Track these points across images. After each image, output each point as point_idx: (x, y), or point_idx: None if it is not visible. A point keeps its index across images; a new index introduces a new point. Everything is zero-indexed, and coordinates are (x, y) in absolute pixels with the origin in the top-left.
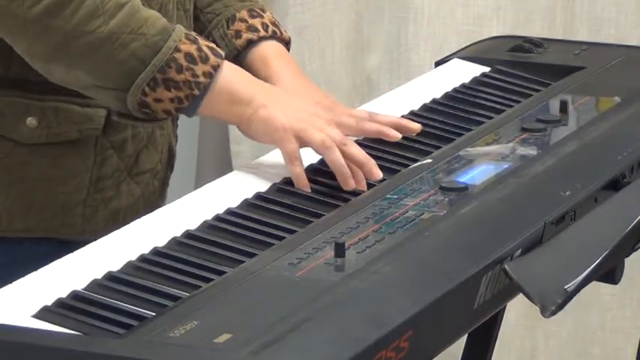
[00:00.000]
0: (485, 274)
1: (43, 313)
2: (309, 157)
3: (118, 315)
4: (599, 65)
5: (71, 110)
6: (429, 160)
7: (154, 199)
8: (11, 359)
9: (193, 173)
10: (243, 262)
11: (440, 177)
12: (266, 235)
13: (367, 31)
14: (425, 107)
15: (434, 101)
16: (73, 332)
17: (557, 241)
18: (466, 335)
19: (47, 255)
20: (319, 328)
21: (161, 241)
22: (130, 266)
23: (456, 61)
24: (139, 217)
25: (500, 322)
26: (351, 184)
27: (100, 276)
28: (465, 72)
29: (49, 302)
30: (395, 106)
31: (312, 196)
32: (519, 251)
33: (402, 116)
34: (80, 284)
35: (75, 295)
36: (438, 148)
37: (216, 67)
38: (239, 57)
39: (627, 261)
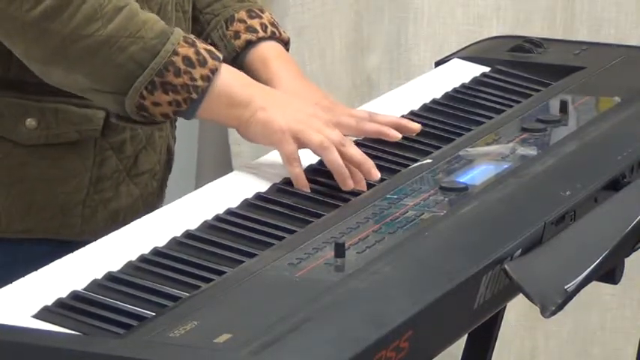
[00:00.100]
0: (485, 274)
1: (43, 313)
2: (309, 157)
3: (117, 315)
4: (599, 65)
5: (70, 111)
6: (429, 160)
7: (152, 200)
8: (11, 359)
9: (193, 173)
10: (243, 262)
11: (440, 177)
12: (266, 235)
13: (367, 31)
14: (425, 107)
15: (434, 101)
16: (73, 332)
17: (557, 241)
18: (466, 335)
19: (47, 255)
20: (319, 328)
21: (161, 241)
22: (130, 266)
23: (456, 61)
24: (138, 218)
25: (500, 322)
26: (349, 185)
27: (100, 276)
28: (465, 72)
29: (49, 302)
30: (395, 106)
31: (312, 196)
32: (519, 251)
33: (402, 116)
34: (80, 284)
35: (75, 295)
36: (438, 148)
37: (214, 71)
38: (238, 58)
39: (627, 261)
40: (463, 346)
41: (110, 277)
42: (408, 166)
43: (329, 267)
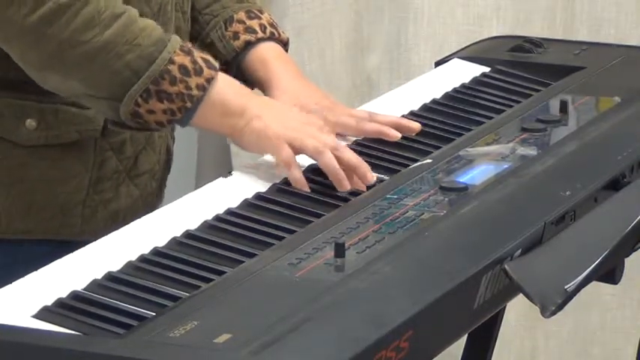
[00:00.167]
0: (485, 274)
1: (43, 313)
2: (309, 158)
3: (117, 315)
4: (599, 65)
5: (70, 112)
6: (429, 160)
7: (152, 200)
8: (11, 359)
9: (193, 173)
10: (243, 262)
11: (440, 177)
12: (266, 235)
13: (367, 31)
14: (425, 107)
15: (434, 101)
16: (73, 332)
17: (557, 241)
18: (466, 335)
19: (47, 255)
20: (319, 328)
21: (161, 241)
22: (130, 266)
23: (456, 61)
24: (138, 218)
25: (500, 322)
26: (346, 186)
27: (100, 276)
28: (465, 72)
29: (49, 302)
30: (395, 106)
31: (312, 196)
32: (519, 251)
33: (402, 116)
34: (80, 284)
35: (75, 295)
36: (438, 148)
37: (209, 80)
38: (237, 59)
39: (627, 261)
40: (463, 346)
41: (110, 277)
42: (408, 166)
43: (329, 267)
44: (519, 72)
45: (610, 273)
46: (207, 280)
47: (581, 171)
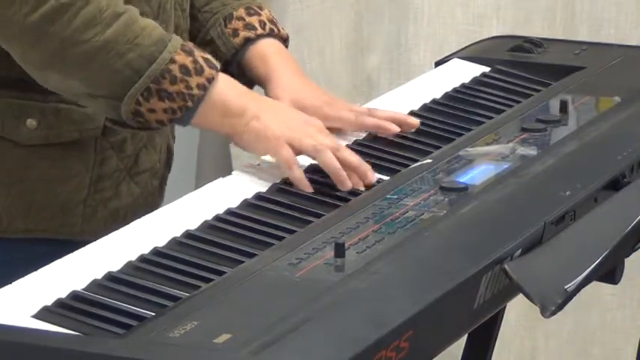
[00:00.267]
0: (485, 274)
1: (43, 314)
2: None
3: (117, 315)
4: (599, 65)
5: (71, 111)
6: (429, 160)
7: (152, 199)
8: (11, 359)
9: (193, 173)
10: (243, 262)
11: (440, 177)
12: (266, 235)
13: (367, 31)
14: (425, 107)
15: (434, 101)
16: (73, 332)
17: (557, 241)
18: (466, 335)
19: (47, 255)
20: (319, 328)
21: (161, 241)
22: (129, 266)
23: (456, 61)
24: (139, 217)
25: (500, 322)
26: (348, 185)
27: (100, 276)
28: (465, 72)
29: (49, 302)
30: (395, 106)
31: (312, 196)
32: (519, 251)
33: None
34: (80, 284)
35: (75, 296)
36: (438, 148)
37: (210, 80)
38: (237, 55)
39: (627, 261)
40: (463, 346)
41: (110, 277)
42: (408, 166)
43: (329, 267)
44: (519, 72)
45: (610, 273)
46: (207, 280)
47: (581, 171)
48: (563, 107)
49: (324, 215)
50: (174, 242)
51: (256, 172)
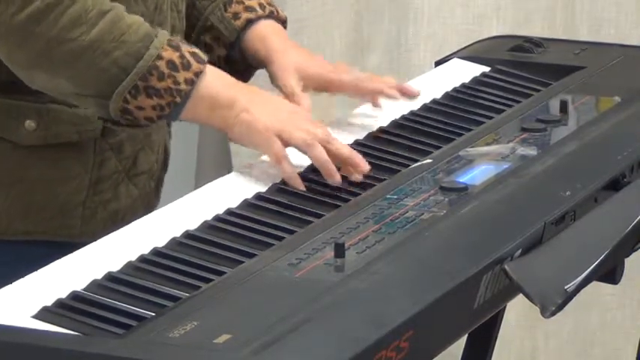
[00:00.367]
0: (485, 274)
1: (43, 314)
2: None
3: (117, 315)
4: (599, 65)
5: (69, 112)
6: (429, 160)
7: (150, 200)
8: (11, 359)
9: (193, 173)
10: (243, 262)
11: (440, 177)
12: (266, 235)
13: (367, 31)
14: (425, 107)
15: (434, 101)
16: (73, 332)
17: (557, 241)
18: (466, 335)
19: (46, 257)
20: (319, 328)
21: (161, 242)
22: (129, 266)
23: (456, 61)
24: (137, 218)
25: (500, 322)
26: (337, 180)
27: (99, 276)
28: (465, 72)
29: (49, 302)
30: (395, 105)
31: (312, 196)
32: (519, 251)
33: (402, 116)
34: (80, 284)
35: (75, 296)
36: (438, 148)
37: (198, 74)
38: (239, 38)
39: (627, 261)
40: (463, 346)
41: (110, 277)
42: (408, 166)
43: (329, 267)
44: (519, 72)
45: (610, 273)
46: (207, 281)
47: (581, 171)
48: (563, 107)
49: (324, 215)
50: (174, 242)
51: (256, 172)
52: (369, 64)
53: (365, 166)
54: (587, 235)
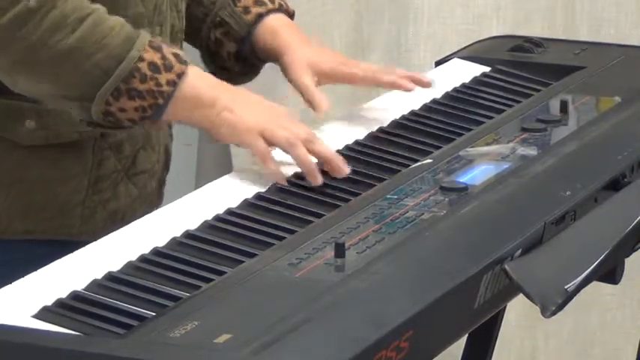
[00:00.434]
0: (486, 274)
1: (43, 313)
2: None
3: (118, 315)
4: (599, 65)
5: (69, 112)
6: (429, 160)
7: (151, 200)
8: (11, 359)
9: (193, 173)
10: (243, 262)
11: (440, 177)
12: (266, 235)
13: (367, 31)
14: (425, 107)
15: (434, 101)
16: (73, 332)
17: (557, 241)
18: (466, 335)
19: (47, 256)
20: (319, 328)
21: (161, 241)
22: (130, 266)
23: (456, 61)
24: (137, 218)
25: (501, 322)
26: (319, 180)
27: (100, 276)
28: (465, 72)
29: (49, 302)
30: (395, 106)
31: (312, 196)
32: (519, 251)
33: (402, 116)
34: (80, 284)
35: (75, 296)
36: (438, 148)
37: (180, 75)
38: (250, 32)
39: (627, 261)
40: (463, 346)
41: (110, 277)
42: (408, 166)
43: (329, 267)
44: (519, 72)
45: (610, 273)
46: (208, 280)
47: (581, 171)
48: (564, 107)
49: (324, 215)
50: (175, 242)
51: (256, 172)
52: None
53: (345, 170)
54: (587, 235)
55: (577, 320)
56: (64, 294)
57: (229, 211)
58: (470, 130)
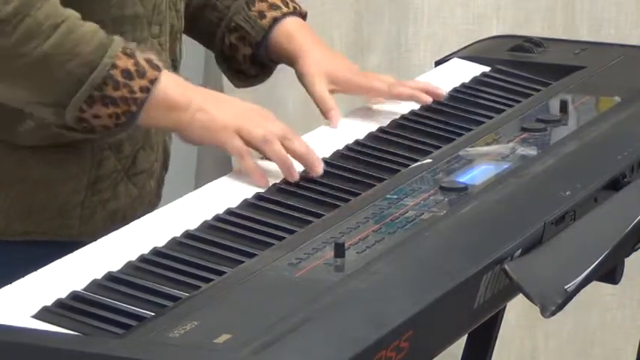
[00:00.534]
0: (485, 274)
1: (43, 314)
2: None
3: (117, 315)
4: (599, 65)
5: None
6: (429, 160)
7: (150, 200)
8: (11, 359)
9: (193, 173)
10: (243, 262)
11: (440, 177)
12: (266, 235)
13: (367, 31)
14: (425, 107)
15: (434, 101)
16: (73, 332)
17: (557, 241)
18: (466, 335)
19: (46, 256)
20: (319, 328)
21: (161, 241)
22: (129, 266)
23: (456, 60)
24: (137, 218)
25: (500, 322)
26: (295, 176)
27: (99, 276)
28: (465, 72)
29: (49, 302)
30: (395, 106)
31: (312, 196)
32: (519, 251)
33: (403, 116)
34: (80, 284)
35: (74, 296)
36: (438, 148)
37: (153, 81)
38: (266, 37)
39: (627, 261)
40: (463, 346)
41: (110, 277)
42: (408, 166)
43: (329, 267)
44: (519, 72)
45: (610, 273)
46: (207, 280)
47: (581, 171)
48: (563, 107)
49: (324, 215)
50: (174, 242)
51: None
52: (369, 64)
53: (319, 169)
54: (587, 235)
55: (577, 320)
56: (63, 294)
57: (229, 211)
58: (470, 130)
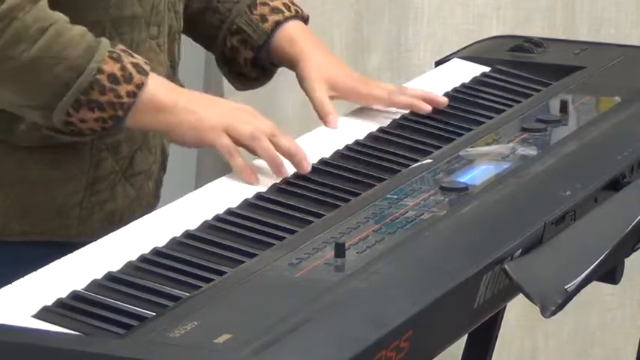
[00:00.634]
0: (485, 274)
1: (43, 313)
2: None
3: (118, 315)
4: (599, 65)
5: None
6: (429, 160)
7: (148, 201)
8: (11, 359)
9: (193, 173)
10: (243, 262)
11: (440, 177)
12: (266, 235)
13: (367, 31)
14: None
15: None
16: (73, 332)
17: (557, 241)
18: (466, 335)
19: (45, 257)
20: (319, 328)
21: (161, 241)
22: (130, 266)
23: (456, 60)
24: (135, 219)
25: (500, 322)
26: (283, 172)
27: (100, 276)
28: (465, 72)
29: (49, 302)
30: None
31: (312, 196)
32: (519, 251)
33: (403, 116)
34: (80, 284)
35: (75, 296)
36: (438, 148)
37: (140, 86)
38: (268, 40)
39: (627, 261)
40: (463, 346)
41: (110, 277)
42: (408, 166)
43: (329, 267)
44: (519, 72)
45: (610, 273)
46: (208, 280)
47: (581, 171)
48: (563, 107)
49: (324, 215)
50: (174, 242)
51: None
52: (369, 64)
53: (307, 166)
54: (587, 235)
55: (577, 320)
56: (64, 294)
57: (229, 211)
58: (470, 130)
